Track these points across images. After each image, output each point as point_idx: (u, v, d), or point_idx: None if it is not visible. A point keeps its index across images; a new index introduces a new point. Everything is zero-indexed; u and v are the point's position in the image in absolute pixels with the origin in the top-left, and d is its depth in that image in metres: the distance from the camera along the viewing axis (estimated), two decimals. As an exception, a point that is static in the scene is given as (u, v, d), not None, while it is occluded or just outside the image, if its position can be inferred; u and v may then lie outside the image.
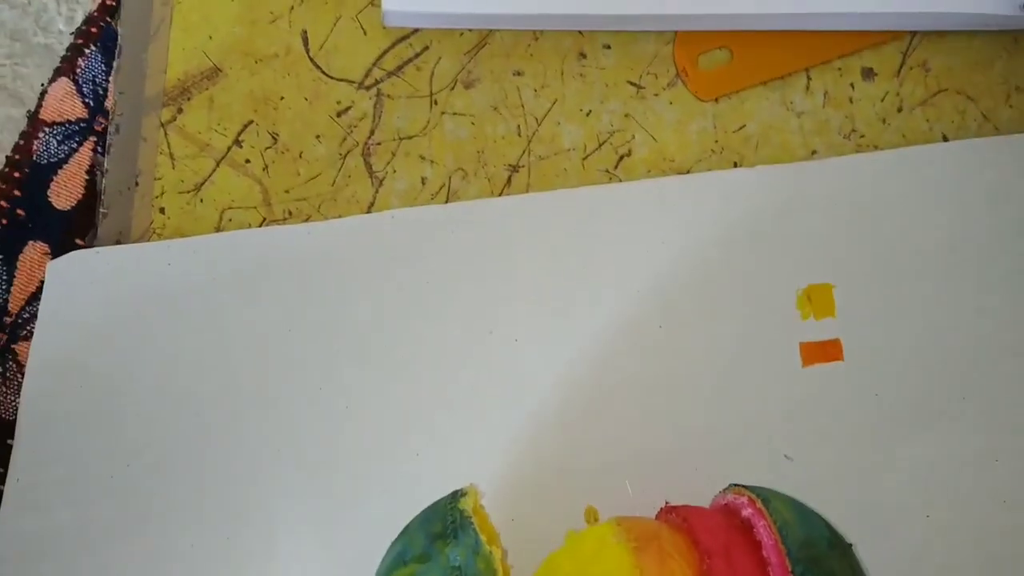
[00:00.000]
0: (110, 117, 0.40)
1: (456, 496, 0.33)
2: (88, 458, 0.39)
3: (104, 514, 0.38)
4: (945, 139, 0.43)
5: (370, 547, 0.34)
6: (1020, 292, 0.41)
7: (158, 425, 0.39)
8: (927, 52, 0.43)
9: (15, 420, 0.39)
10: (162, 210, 0.41)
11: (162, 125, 0.41)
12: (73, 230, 0.42)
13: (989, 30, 0.43)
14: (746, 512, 0.33)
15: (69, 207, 0.42)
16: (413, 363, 0.40)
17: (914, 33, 0.43)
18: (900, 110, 0.43)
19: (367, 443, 0.39)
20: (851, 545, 0.33)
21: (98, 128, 0.43)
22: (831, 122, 0.43)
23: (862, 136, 0.43)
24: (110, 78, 0.43)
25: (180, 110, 0.41)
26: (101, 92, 0.43)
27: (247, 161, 0.41)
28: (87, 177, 0.43)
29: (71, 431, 0.39)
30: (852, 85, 0.43)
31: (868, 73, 0.43)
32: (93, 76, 0.43)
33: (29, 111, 0.43)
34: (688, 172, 0.42)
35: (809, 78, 0.43)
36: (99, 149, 0.43)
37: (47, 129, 0.43)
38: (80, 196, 0.42)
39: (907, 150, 0.42)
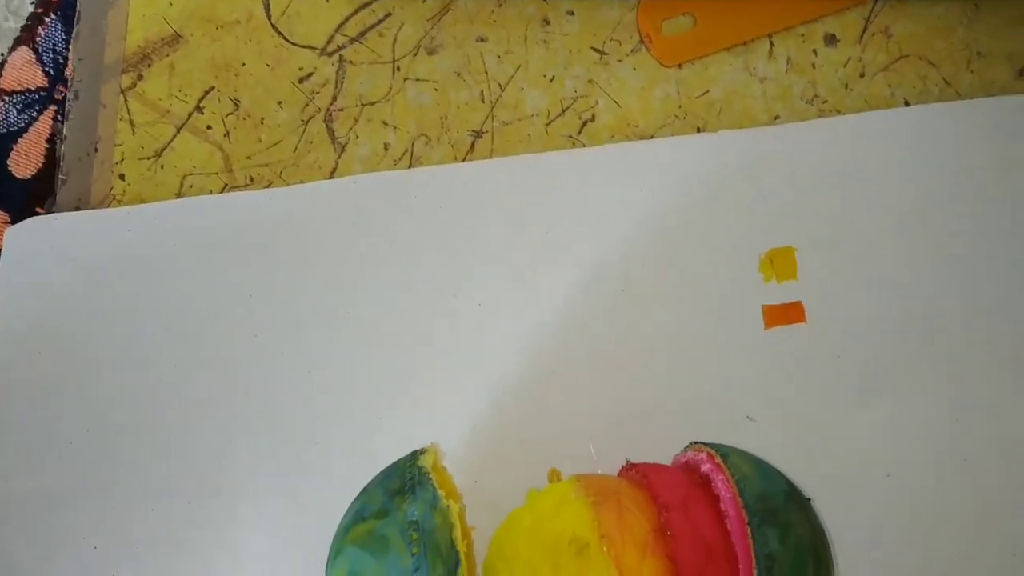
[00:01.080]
0: (69, 84, 0.40)
1: (415, 455, 0.33)
2: (49, 423, 0.38)
3: (66, 479, 0.38)
4: (907, 104, 0.43)
5: (332, 509, 0.34)
6: (980, 253, 0.41)
7: (119, 390, 0.39)
8: (889, 18, 0.43)
9: (-25, 387, 0.39)
10: (122, 176, 0.40)
11: (122, 91, 0.41)
12: (33, 199, 0.42)
13: (950, -4, 0.43)
14: (705, 467, 0.33)
15: (29, 176, 0.42)
16: (376, 328, 0.40)
17: (876, -1, 0.44)
18: (862, 75, 0.43)
19: (330, 407, 0.39)
20: (809, 500, 0.33)
21: (58, 97, 0.43)
22: (794, 87, 0.43)
23: (824, 101, 0.43)
24: (70, 46, 0.43)
25: (140, 76, 0.41)
26: (61, 61, 0.43)
27: (208, 127, 0.41)
28: (47, 146, 0.42)
29: (32, 397, 0.39)
30: (815, 51, 0.43)
31: (830, 39, 0.43)
32: (53, 44, 0.43)
33: (-11, 81, 0.43)
34: (652, 137, 0.42)
35: (772, 44, 0.43)
36: (59, 118, 0.42)
37: (7, 98, 0.42)
38: (40, 165, 0.42)
39: (869, 115, 0.42)
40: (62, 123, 0.42)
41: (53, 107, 0.42)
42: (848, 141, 0.42)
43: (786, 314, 0.41)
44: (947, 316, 0.40)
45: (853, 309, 0.40)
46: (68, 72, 0.42)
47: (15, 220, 0.42)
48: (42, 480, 0.38)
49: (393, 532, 0.30)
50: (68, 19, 0.43)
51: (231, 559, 0.37)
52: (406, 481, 0.31)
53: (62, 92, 0.43)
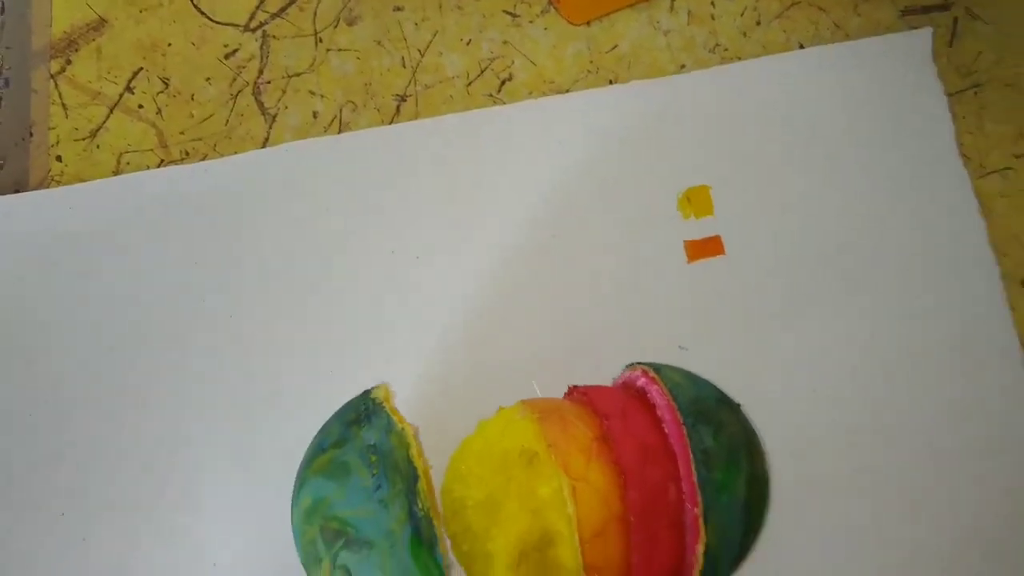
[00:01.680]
0: (-2, 72, 0.41)
1: (368, 391, 0.34)
2: (3, 400, 0.39)
3: (24, 452, 0.39)
4: (801, 47, 0.46)
5: (289, 460, 0.36)
6: (879, 183, 0.44)
7: (69, 365, 0.40)
8: (779, -32, 0.46)
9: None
10: (59, 158, 0.41)
11: (52, 76, 0.42)
12: (-31, 188, 0.42)
13: (832, -56, 0.47)
14: (640, 382, 0.35)
15: (-37, 166, 0.43)
16: (319, 288, 0.41)
17: (766, -49, 0.47)
18: (759, 23, 0.46)
19: (279, 365, 0.40)
20: (739, 405, 0.36)
21: (-13, 86, 0.43)
22: (696, 38, 0.46)
23: (726, 50, 0.46)
24: (-4, 36, 0.43)
25: (69, 61, 0.42)
26: (-13, 52, 0.44)
27: (140, 106, 0.42)
28: (-21, 136, 0.43)
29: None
30: (712, 3, 0.46)
31: (726, -10, 0.46)
32: (-22, 37, 0.43)
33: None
34: (567, 92, 0.44)
35: (672, -1, 0.46)
36: (-11, 107, 0.43)
37: (-66, 92, 0.43)
38: (-26, 155, 0.43)
39: (767, 59, 0.45)
40: (-7, 112, 0.43)
41: (-18, 97, 0.43)
42: (750, 84, 0.45)
43: (706, 248, 0.43)
44: (851, 238, 0.43)
45: (767, 240, 0.43)
46: (-4, 62, 0.43)
47: (-49, 211, 0.42)
48: (0, 455, 0.39)
49: (352, 457, 0.31)
50: (-9, 11, 0.44)
51: (195, 516, 0.38)
52: (360, 412, 0.33)
53: (-10, 82, 0.43)
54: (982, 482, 0.39)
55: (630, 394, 0.35)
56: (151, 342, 0.40)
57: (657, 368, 0.35)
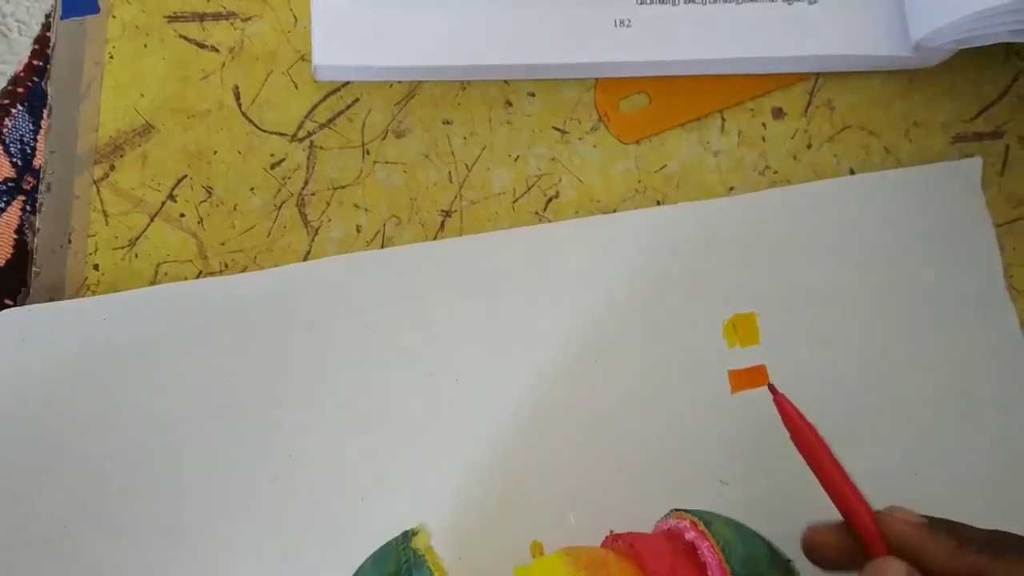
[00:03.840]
0: (41, 176, 0.40)
1: (407, 536, 0.33)
2: (25, 520, 0.38)
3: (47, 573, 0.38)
4: (852, 172, 0.45)
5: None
6: (926, 314, 0.43)
7: (98, 480, 0.39)
8: (831, 92, 0.46)
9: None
10: (96, 267, 0.40)
11: (94, 182, 0.41)
12: (2, 291, 0.42)
13: (887, 70, 0.46)
14: (689, 535, 0.34)
15: (-2, 267, 0.42)
16: (355, 408, 0.40)
17: (819, 74, 0.46)
18: (809, 146, 0.45)
19: (312, 489, 0.39)
20: (790, 561, 0.34)
21: (26, 187, 0.43)
22: (746, 160, 0.45)
23: (775, 172, 0.45)
24: (38, 137, 0.43)
25: (112, 167, 0.41)
26: (29, 151, 0.43)
27: (182, 215, 0.41)
28: (16, 236, 0.42)
29: (6, 490, 0.38)
30: (764, 124, 0.45)
31: (778, 112, 0.46)
32: (20, 136, 0.43)
33: (-46, 173, 0.43)
34: (614, 211, 0.44)
35: (723, 119, 0.45)
36: (28, 208, 0.43)
37: (-26, 190, 0.42)
38: (9, 256, 0.42)
39: (817, 184, 0.45)
40: (32, 214, 0.42)
41: (22, 197, 0.43)
42: (799, 209, 0.44)
43: (751, 378, 0.42)
44: (898, 371, 0.43)
45: (813, 369, 0.42)
46: (38, 163, 0.42)
47: (-16, 313, 0.42)
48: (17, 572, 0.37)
49: (394, 617, 0.30)
50: (35, 110, 0.43)
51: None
52: (401, 564, 0.32)
53: (30, 183, 0.43)
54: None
55: (677, 547, 0.34)
56: (179, 461, 0.39)
57: (707, 521, 0.34)
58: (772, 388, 0.37)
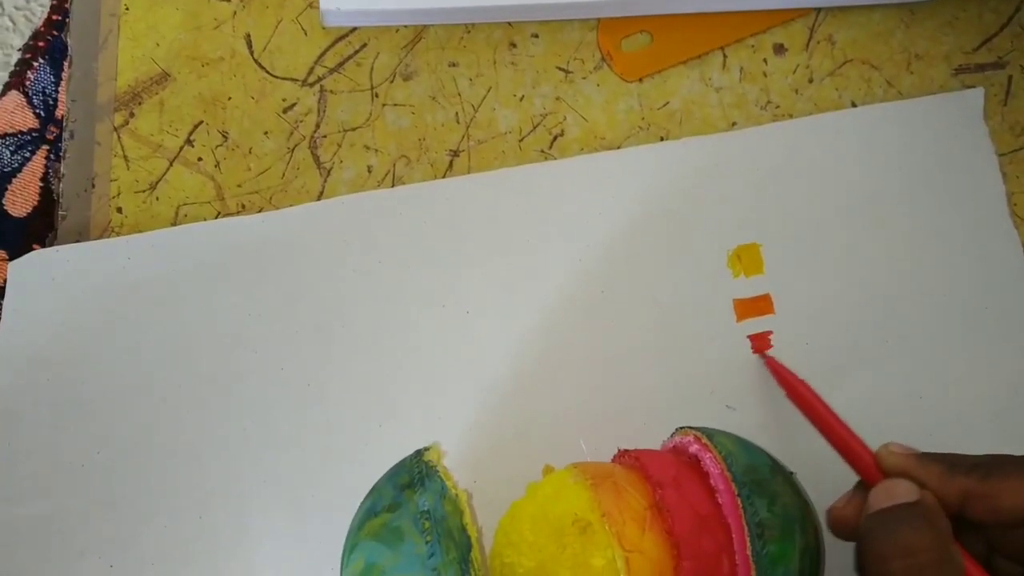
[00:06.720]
0: (64, 124, 0.42)
1: (420, 452, 0.35)
2: (59, 449, 0.40)
3: (77, 501, 0.39)
4: (854, 105, 0.46)
5: (339, 515, 0.36)
6: (929, 242, 0.44)
7: (126, 413, 0.40)
8: (832, 27, 0.47)
9: (-15, 419, 0.40)
10: (119, 209, 0.42)
11: (115, 129, 0.42)
12: (30, 236, 0.43)
13: (887, 3, 0.46)
14: (693, 448, 0.35)
15: (25, 214, 0.44)
16: (370, 340, 0.41)
17: (819, 10, 0.47)
18: (811, 81, 0.46)
19: (330, 418, 0.40)
20: (792, 473, 0.36)
21: (50, 137, 0.44)
22: (748, 95, 0.46)
23: (777, 107, 0.46)
24: (60, 88, 0.45)
25: (132, 114, 0.43)
26: (51, 102, 0.45)
27: (199, 159, 0.43)
28: (41, 184, 0.44)
29: (40, 424, 0.40)
30: (765, 60, 0.46)
31: (779, 48, 0.46)
32: (43, 88, 0.45)
33: (-20, 127, 0.45)
34: (618, 148, 0.45)
35: (725, 56, 0.46)
36: (52, 156, 0.44)
37: (0, 141, 0.44)
38: (35, 203, 0.44)
39: (819, 117, 0.45)
40: (57, 162, 0.44)
41: (45, 147, 0.44)
42: (801, 142, 0.45)
43: (756, 306, 0.43)
44: (903, 299, 0.43)
45: (817, 298, 0.43)
46: (60, 113, 0.44)
47: (12, 256, 0.43)
48: (55, 504, 0.39)
49: (406, 523, 0.31)
50: (56, 62, 0.45)
51: (243, 569, 0.39)
52: (414, 475, 0.33)
53: (54, 132, 0.44)
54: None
55: (682, 461, 0.35)
56: (203, 394, 0.40)
57: (710, 434, 0.35)
58: (763, 354, 0.39)
